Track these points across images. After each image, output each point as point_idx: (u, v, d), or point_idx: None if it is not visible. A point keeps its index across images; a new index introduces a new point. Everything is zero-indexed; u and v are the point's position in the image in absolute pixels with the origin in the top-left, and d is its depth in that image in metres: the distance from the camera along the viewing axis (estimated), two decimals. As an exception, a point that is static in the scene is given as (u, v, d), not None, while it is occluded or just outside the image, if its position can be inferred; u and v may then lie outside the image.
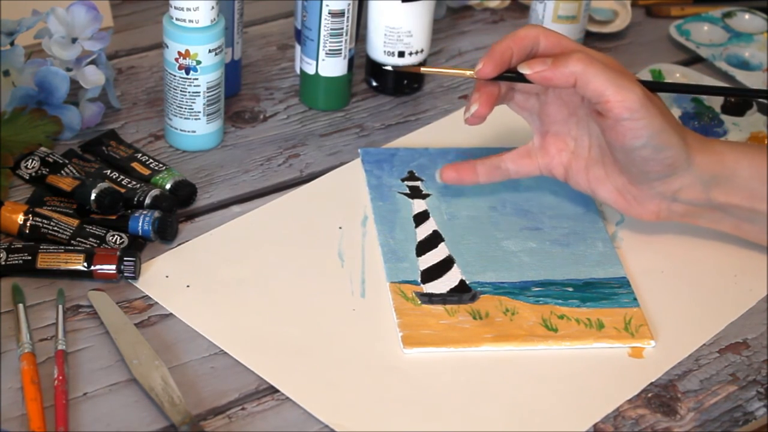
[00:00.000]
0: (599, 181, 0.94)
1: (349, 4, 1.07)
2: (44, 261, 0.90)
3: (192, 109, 1.03)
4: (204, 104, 1.03)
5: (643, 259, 0.97)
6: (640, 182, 0.92)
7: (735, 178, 0.91)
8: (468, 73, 0.94)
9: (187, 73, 1.01)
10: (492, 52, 0.91)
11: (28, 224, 0.92)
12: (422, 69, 1.00)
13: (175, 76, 1.02)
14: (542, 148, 0.96)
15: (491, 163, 0.97)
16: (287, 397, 0.82)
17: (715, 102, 1.16)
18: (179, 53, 1.00)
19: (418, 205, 1.00)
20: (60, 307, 0.87)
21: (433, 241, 0.96)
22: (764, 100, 1.16)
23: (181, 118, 1.04)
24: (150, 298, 0.89)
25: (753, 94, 0.93)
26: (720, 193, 0.92)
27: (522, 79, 0.91)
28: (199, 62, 1.01)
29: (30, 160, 1.00)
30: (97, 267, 0.89)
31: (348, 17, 1.08)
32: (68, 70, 1.05)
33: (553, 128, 0.95)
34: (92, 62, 1.05)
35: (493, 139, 1.09)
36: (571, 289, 0.93)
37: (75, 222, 0.93)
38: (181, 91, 1.02)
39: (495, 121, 1.09)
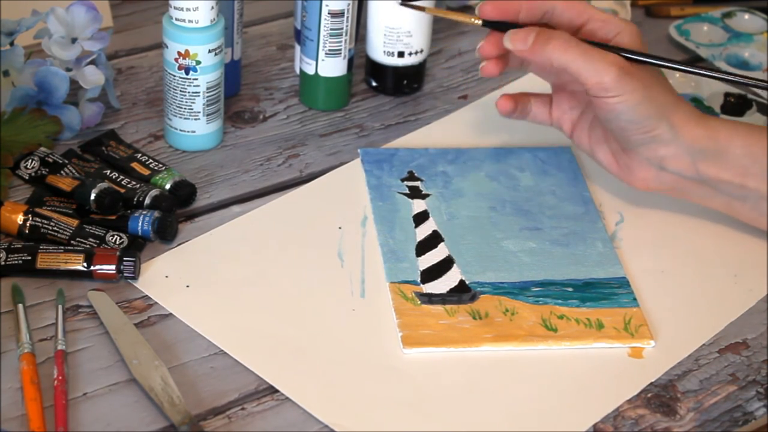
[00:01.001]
0: (598, 142, 0.98)
1: (348, 4, 1.07)
2: (44, 261, 0.90)
3: (192, 109, 1.03)
4: (204, 104, 1.03)
5: (643, 259, 0.97)
6: (627, 147, 0.95)
7: (726, 154, 0.93)
8: (472, 18, 0.96)
9: (187, 73, 1.01)
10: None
11: (27, 224, 0.92)
12: (427, 10, 1.01)
13: (174, 76, 1.02)
14: (557, 102, 1.00)
15: (524, 99, 1.01)
16: (287, 397, 0.82)
17: (715, 102, 1.16)
18: (179, 53, 1.00)
19: (418, 205, 1.00)
20: (60, 307, 0.87)
21: (432, 241, 0.96)
22: (764, 101, 1.16)
23: (180, 118, 1.04)
24: (150, 298, 0.89)
25: (742, 80, 0.94)
26: (709, 166, 0.93)
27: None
28: (198, 62, 1.01)
29: (30, 160, 1.00)
30: (97, 267, 0.89)
31: (348, 17, 1.08)
32: (68, 70, 1.05)
33: (569, 86, 0.99)
34: (92, 62, 1.05)
35: (494, 139, 1.09)
36: (570, 289, 0.93)
37: (75, 222, 0.93)
38: (180, 91, 1.02)
39: (496, 121, 1.09)
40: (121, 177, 0.99)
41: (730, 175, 0.93)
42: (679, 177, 0.94)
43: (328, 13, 1.07)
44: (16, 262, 0.90)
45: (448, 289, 0.92)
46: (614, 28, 0.94)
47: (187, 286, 0.91)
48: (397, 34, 1.11)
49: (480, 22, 0.96)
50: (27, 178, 1.00)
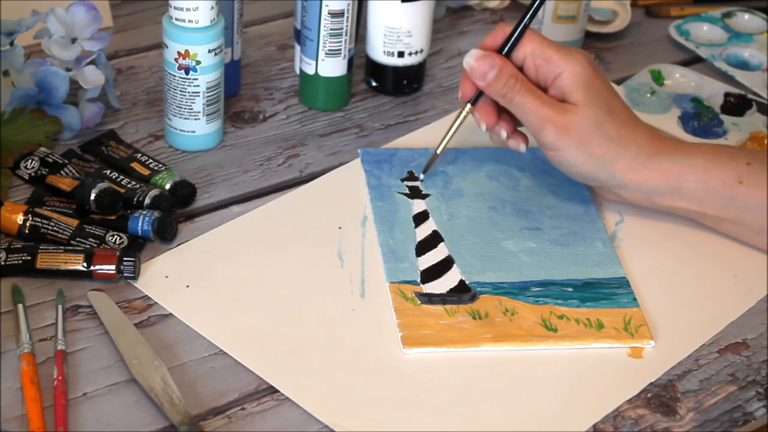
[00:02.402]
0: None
1: (348, 4, 1.07)
2: (44, 261, 0.90)
3: (191, 109, 1.03)
4: (203, 104, 1.03)
5: (643, 259, 0.97)
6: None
7: (680, 189, 0.95)
8: (463, 114, 0.98)
9: (187, 73, 1.01)
10: (462, 76, 0.97)
11: (27, 224, 0.92)
12: (438, 152, 1.01)
13: (174, 76, 1.02)
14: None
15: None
16: (287, 397, 0.82)
17: (715, 102, 1.16)
18: (179, 53, 1.00)
19: (418, 205, 1.00)
20: (59, 307, 0.87)
21: (432, 241, 0.96)
22: (764, 101, 1.16)
23: (180, 118, 1.04)
24: (149, 298, 0.89)
25: None
26: (664, 200, 0.96)
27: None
28: (198, 62, 1.01)
29: (30, 160, 1.00)
30: (97, 267, 0.89)
31: (347, 17, 1.08)
32: (68, 70, 1.05)
33: None
34: (92, 62, 1.05)
35: (493, 139, 1.09)
36: (570, 289, 0.93)
37: (74, 222, 0.93)
38: (180, 91, 1.02)
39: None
40: (121, 177, 0.99)
41: (687, 204, 0.96)
42: (640, 206, 0.98)
43: (328, 13, 1.07)
44: (16, 262, 0.90)
45: (448, 289, 0.92)
46: (554, 69, 0.94)
47: (187, 286, 0.90)
48: (397, 34, 1.11)
49: (468, 107, 0.97)
50: (27, 178, 1.00)
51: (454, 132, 0.99)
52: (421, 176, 1.02)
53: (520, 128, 0.98)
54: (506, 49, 0.95)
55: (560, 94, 0.94)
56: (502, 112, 0.97)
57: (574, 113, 0.93)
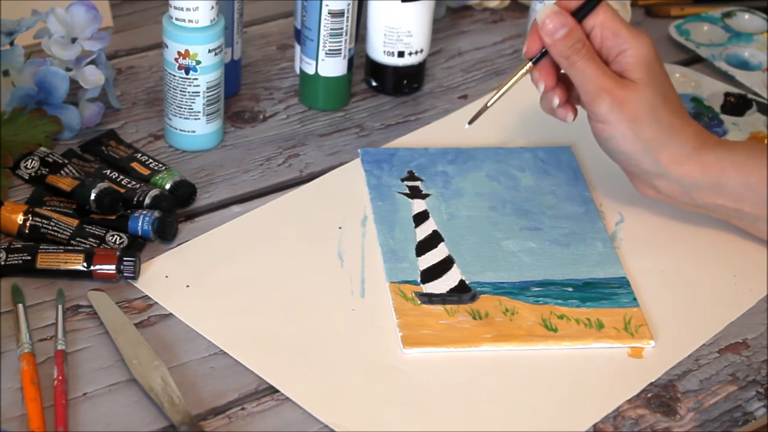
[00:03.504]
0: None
1: (348, 4, 1.07)
2: (44, 261, 0.90)
3: (192, 109, 1.03)
4: (204, 104, 1.03)
5: (643, 259, 0.97)
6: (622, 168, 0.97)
7: (720, 185, 0.93)
8: (523, 70, 0.95)
9: (187, 73, 1.01)
10: (530, 31, 0.95)
11: (27, 224, 0.92)
12: (488, 104, 0.96)
13: (174, 76, 1.02)
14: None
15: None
16: (287, 397, 0.82)
17: (715, 102, 1.16)
18: (179, 53, 1.00)
19: (418, 205, 1.00)
20: (59, 307, 0.87)
21: (432, 241, 0.96)
22: (764, 101, 1.16)
23: (180, 118, 1.04)
24: (150, 298, 0.89)
25: None
26: (703, 195, 0.94)
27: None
28: (198, 62, 1.01)
29: (29, 160, 1.00)
30: (97, 267, 0.89)
31: (348, 17, 1.08)
32: (68, 70, 1.05)
33: None
34: (92, 62, 1.05)
35: (494, 139, 1.09)
36: (570, 289, 0.93)
37: (75, 222, 0.93)
38: (180, 91, 1.02)
39: (496, 122, 1.09)
40: (121, 177, 0.99)
41: (725, 201, 0.94)
42: (674, 199, 0.96)
43: (328, 13, 1.07)
44: (16, 262, 0.90)
45: (448, 289, 0.92)
46: (620, 45, 0.93)
47: (187, 286, 0.90)
48: (397, 34, 1.11)
49: (530, 64, 0.95)
50: (27, 178, 1.00)
51: (511, 86, 0.95)
52: (467, 126, 0.96)
53: (571, 101, 0.97)
54: (581, 15, 0.93)
55: (620, 70, 0.93)
56: (559, 80, 0.96)
57: (632, 90, 0.91)
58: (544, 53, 0.94)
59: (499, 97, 0.95)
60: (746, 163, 0.93)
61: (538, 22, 0.93)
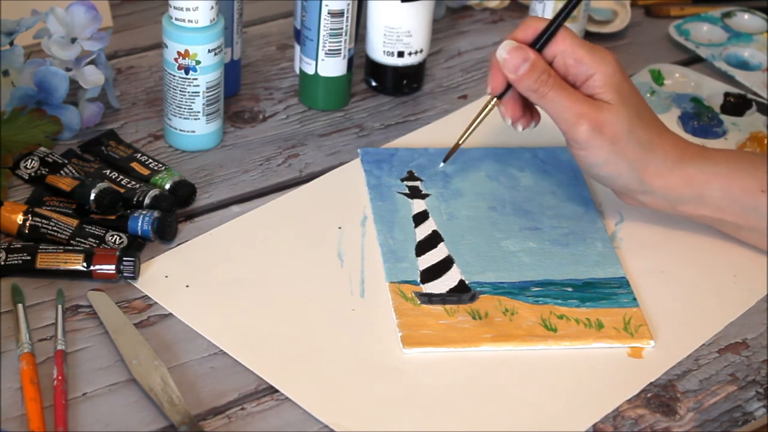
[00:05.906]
0: None
1: (348, 4, 1.07)
2: (43, 261, 0.90)
3: (191, 109, 1.03)
4: (203, 104, 1.03)
5: (643, 259, 0.97)
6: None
7: (703, 197, 0.94)
8: (489, 107, 0.95)
9: (187, 73, 1.01)
10: (491, 68, 0.94)
11: (27, 224, 0.92)
12: (460, 142, 0.97)
13: (174, 76, 1.02)
14: None
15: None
16: (286, 397, 0.82)
17: (715, 102, 1.16)
18: (179, 53, 1.00)
19: (418, 205, 1.00)
20: (59, 307, 0.87)
21: (432, 241, 0.96)
22: (764, 101, 1.16)
23: (180, 118, 1.04)
24: (149, 298, 0.89)
25: None
26: (686, 208, 0.95)
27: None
28: (198, 62, 1.01)
29: (29, 160, 1.00)
30: (97, 267, 0.89)
31: (347, 17, 1.08)
32: (68, 70, 1.05)
33: None
34: (91, 62, 1.05)
35: (494, 139, 1.09)
36: (570, 289, 0.93)
37: (74, 222, 0.93)
38: (180, 91, 1.02)
39: (495, 122, 1.09)
40: (121, 177, 0.99)
41: (708, 212, 0.95)
42: (660, 210, 0.96)
43: (328, 13, 1.07)
44: (16, 262, 0.90)
45: (447, 289, 0.92)
46: (585, 71, 0.92)
47: (187, 286, 0.90)
48: (397, 34, 1.11)
49: (495, 100, 0.94)
50: (27, 178, 1.00)
51: (478, 124, 0.95)
52: (441, 165, 0.98)
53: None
54: (539, 45, 0.92)
55: (591, 94, 0.92)
56: (525, 108, 0.96)
57: (609, 111, 0.91)
58: (508, 87, 0.93)
59: (469, 135, 0.96)
60: (728, 174, 0.93)
61: (498, 59, 0.92)
